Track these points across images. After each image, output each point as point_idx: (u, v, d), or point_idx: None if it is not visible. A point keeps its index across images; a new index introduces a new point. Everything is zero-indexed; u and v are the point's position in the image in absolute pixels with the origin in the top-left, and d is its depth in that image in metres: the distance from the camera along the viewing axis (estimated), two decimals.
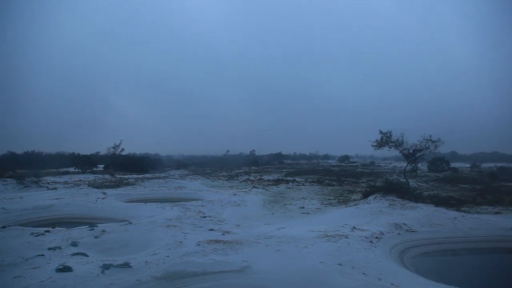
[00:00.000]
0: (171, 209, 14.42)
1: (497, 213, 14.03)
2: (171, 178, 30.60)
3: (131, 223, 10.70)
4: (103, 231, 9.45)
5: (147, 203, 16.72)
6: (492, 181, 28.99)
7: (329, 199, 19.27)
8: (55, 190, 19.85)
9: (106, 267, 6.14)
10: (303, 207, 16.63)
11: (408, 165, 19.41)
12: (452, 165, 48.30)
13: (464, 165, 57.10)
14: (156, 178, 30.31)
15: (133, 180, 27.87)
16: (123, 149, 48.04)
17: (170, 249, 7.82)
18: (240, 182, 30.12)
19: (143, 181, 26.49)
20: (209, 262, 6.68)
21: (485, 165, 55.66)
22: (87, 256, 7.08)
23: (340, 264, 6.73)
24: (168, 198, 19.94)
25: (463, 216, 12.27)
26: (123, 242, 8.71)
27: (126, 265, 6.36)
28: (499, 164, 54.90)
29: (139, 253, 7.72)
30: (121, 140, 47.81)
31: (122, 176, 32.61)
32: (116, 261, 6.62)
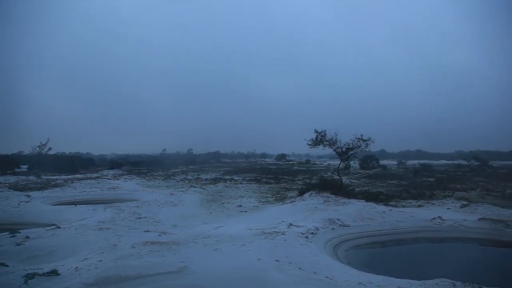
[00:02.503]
0: (104, 210, 13.75)
1: (419, 206, 15.25)
2: (104, 178, 29.12)
3: (59, 227, 10.04)
4: (27, 237, 8.75)
5: (77, 205, 15.79)
6: (416, 177, 31.45)
7: (267, 197, 19.62)
8: None
9: (29, 276, 5.69)
10: (240, 206, 16.75)
11: (342, 163, 20.39)
12: (381, 162, 51.69)
13: (391, 163, 61.31)
14: (87, 178, 28.67)
15: (62, 181, 26.10)
16: (50, 148, 45.01)
17: (103, 253, 7.48)
18: (177, 182, 29.54)
19: (73, 182, 24.92)
20: (145, 265, 6.50)
21: (410, 162, 60.41)
22: (7, 266, 6.47)
23: (277, 261, 6.91)
24: (101, 200, 18.98)
25: (391, 210, 13.24)
26: (50, 249, 8.14)
27: (54, 272, 5.95)
28: (422, 161, 59.79)
29: (69, 259, 7.28)
30: (48, 139, 44.76)
31: (50, 177, 30.36)
32: (41, 269, 6.17)
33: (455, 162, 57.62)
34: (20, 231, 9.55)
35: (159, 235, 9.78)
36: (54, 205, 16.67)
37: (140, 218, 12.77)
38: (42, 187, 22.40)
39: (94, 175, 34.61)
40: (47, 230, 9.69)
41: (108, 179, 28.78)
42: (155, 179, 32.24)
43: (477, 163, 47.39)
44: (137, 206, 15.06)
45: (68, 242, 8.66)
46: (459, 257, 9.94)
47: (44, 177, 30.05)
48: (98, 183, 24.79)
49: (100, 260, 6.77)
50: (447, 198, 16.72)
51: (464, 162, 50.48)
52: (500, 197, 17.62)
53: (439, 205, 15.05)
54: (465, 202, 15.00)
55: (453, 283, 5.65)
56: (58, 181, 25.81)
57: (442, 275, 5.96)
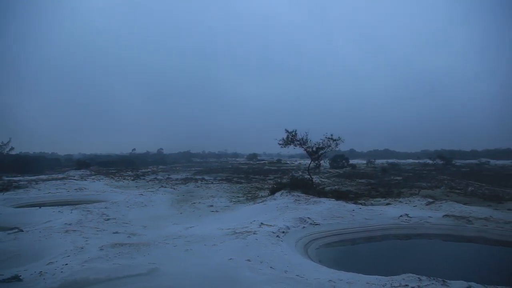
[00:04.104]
0: (71, 212, 13.30)
1: (388, 204, 15.67)
2: (70, 179, 28.18)
3: (22, 231, 9.63)
4: None
5: (41, 207, 15.18)
6: (384, 176, 32.34)
7: (238, 197, 19.59)
8: None
9: None
10: (212, 206, 16.63)
11: (312, 162, 20.67)
12: (351, 161, 52.75)
13: (361, 162, 62.80)
14: (53, 179, 27.64)
15: (26, 182, 25.00)
16: (12, 148, 42.96)
17: (69, 256, 7.23)
18: (147, 182, 29.02)
19: (37, 183, 23.94)
20: (114, 267, 6.34)
21: (378, 161, 62.04)
22: None
23: (248, 260, 6.91)
24: (67, 201, 18.35)
25: (360, 208, 13.53)
26: (12, 253, 7.82)
27: (15, 278, 5.69)
28: (389, 160, 61.62)
29: (33, 263, 6.98)
30: (10, 138, 42.76)
31: (12, 178, 29.06)
32: (2, 275, 5.88)
33: (421, 161, 59.77)
34: None
35: (128, 236, 9.59)
36: (17, 207, 15.98)
37: (108, 219, 12.46)
38: (4, 188, 21.37)
39: (60, 175, 33.40)
40: (9, 233, 9.28)
41: (75, 179, 27.89)
42: (124, 179, 31.52)
43: (442, 162, 49.34)
44: (105, 207, 14.68)
45: (31, 246, 8.34)
46: (424, 252, 10.30)
47: (5, 178, 28.71)
48: (64, 184, 23.99)
49: (66, 264, 6.54)
50: (414, 196, 17.28)
51: (429, 161, 52.47)
52: (462, 194, 18.41)
53: (406, 203, 15.51)
54: (431, 200, 15.54)
55: (418, 277, 5.84)
56: (21, 183, 24.70)
57: (408, 271, 6.15)
